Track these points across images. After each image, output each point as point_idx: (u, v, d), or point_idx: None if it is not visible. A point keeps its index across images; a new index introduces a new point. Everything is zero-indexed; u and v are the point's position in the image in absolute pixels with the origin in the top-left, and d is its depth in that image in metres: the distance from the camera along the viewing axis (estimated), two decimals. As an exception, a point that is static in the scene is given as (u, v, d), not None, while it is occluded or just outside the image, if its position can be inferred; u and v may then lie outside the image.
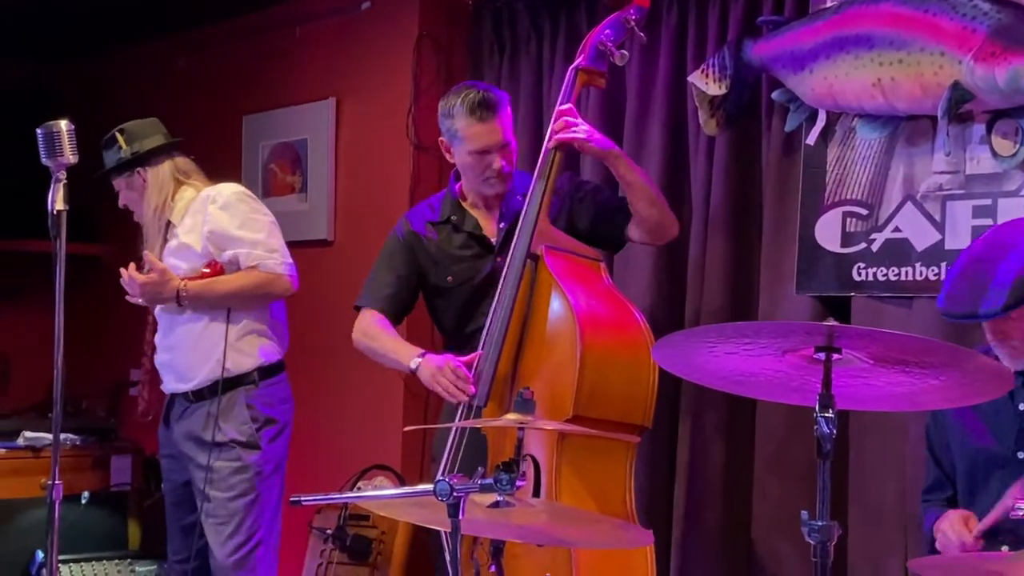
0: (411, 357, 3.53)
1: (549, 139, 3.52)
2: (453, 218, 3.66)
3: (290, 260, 3.99)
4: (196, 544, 4.02)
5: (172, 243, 3.99)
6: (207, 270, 3.94)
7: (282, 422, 4.02)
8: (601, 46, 3.53)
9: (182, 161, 4.08)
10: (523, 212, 3.48)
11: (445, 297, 3.70)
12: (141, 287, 3.90)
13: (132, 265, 3.93)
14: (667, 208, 3.63)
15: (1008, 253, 2.81)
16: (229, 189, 4.02)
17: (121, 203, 4.12)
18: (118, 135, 4.03)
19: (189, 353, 3.97)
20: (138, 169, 4.03)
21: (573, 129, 3.49)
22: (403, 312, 3.76)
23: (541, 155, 3.53)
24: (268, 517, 3.96)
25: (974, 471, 2.96)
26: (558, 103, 3.56)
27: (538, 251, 3.41)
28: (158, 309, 4.05)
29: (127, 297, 3.99)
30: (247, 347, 3.96)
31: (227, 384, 3.92)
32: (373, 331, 3.68)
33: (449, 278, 3.66)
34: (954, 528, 2.86)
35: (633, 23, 3.56)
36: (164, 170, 4.03)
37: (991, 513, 2.79)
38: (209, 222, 3.93)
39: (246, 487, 3.91)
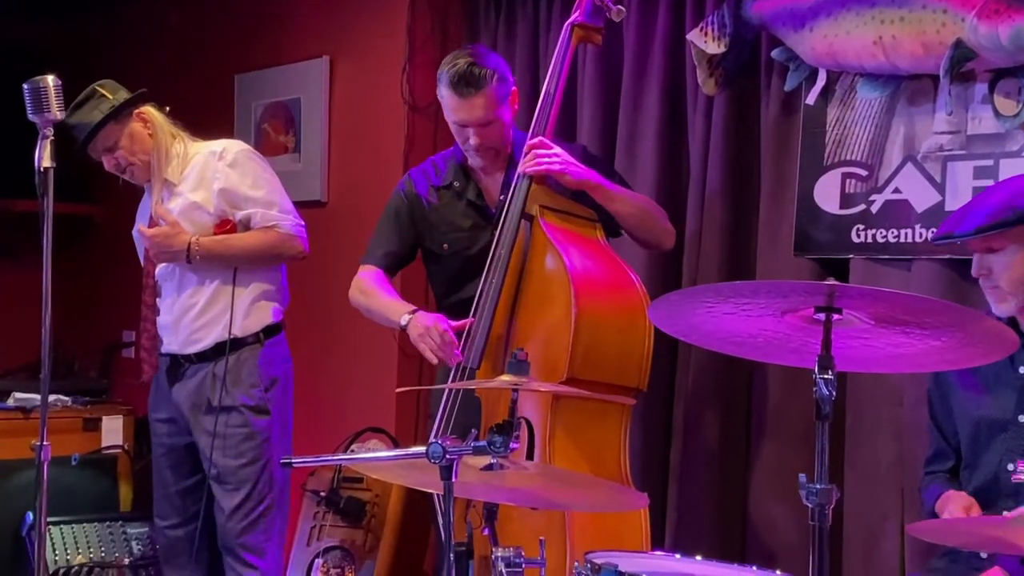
0: (402, 313, 3.47)
1: (521, 167, 3.39)
2: (456, 184, 3.59)
3: (302, 222, 3.90)
4: (192, 508, 3.95)
5: (177, 201, 3.84)
6: (219, 227, 3.82)
7: (285, 380, 3.94)
8: (598, 0, 3.47)
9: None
10: (512, 185, 3.41)
11: (438, 263, 3.65)
12: (151, 239, 3.78)
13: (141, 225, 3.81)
14: (661, 221, 3.55)
15: (1003, 186, 2.83)
16: (236, 146, 3.91)
17: (113, 164, 3.88)
18: (98, 88, 3.81)
19: (199, 315, 3.85)
20: (137, 111, 3.85)
21: (545, 160, 3.35)
22: (400, 267, 3.73)
23: (513, 183, 3.42)
24: (278, 480, 3.88)
25: (976, 436, 2.94)
26: (553, 59, 3.50)
27: (533, 211, 3.37)
28: (160, 270, 3.90)
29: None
30: (257, 310, 3.87)
31: (233, 344, 3.82)
32: (369, 287, 3.63)
33: (444, 246, 3.61)
34: (954, 517, 2.84)
35: None
36: (159, 116, 3.89)
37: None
38: (219, 179, 3.81)
39: (256, 454, 3.83)
